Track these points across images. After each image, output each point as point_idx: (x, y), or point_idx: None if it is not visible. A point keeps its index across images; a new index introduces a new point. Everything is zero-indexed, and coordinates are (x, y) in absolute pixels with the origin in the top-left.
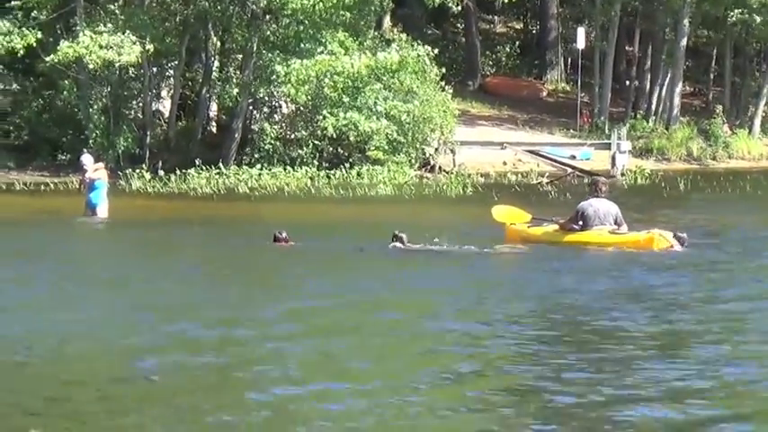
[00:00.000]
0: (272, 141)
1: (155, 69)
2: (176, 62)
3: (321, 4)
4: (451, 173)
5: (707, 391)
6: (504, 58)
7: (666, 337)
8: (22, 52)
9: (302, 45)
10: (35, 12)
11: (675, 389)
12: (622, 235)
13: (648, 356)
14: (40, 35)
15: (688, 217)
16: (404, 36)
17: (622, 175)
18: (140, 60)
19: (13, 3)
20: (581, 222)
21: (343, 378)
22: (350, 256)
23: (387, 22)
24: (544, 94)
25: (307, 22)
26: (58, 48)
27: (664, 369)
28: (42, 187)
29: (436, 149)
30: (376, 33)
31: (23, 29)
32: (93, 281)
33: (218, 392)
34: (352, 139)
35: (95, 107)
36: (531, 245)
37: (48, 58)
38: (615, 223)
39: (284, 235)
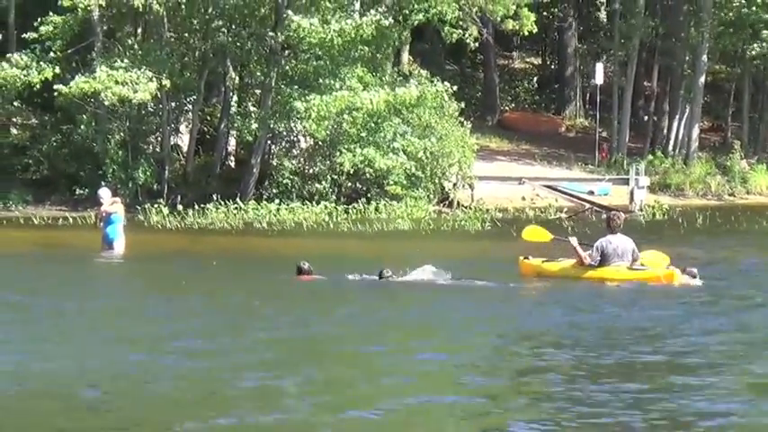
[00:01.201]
0: (291, 176)
1: (173, 104)
2: (195, 97)
3: (339, 38)
4: (470, 208)
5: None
6: (522, 94)
7: (678, 370)
8: (38, 86)
9: (321, 80)
10: (50, 43)
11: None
12: (643, 271)
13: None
14: (57, 69)
15: (705, 252)
16: (423, 72)
17: (640, 210)
18: (158, 96)
19: (30, 36)
20: (599, 259)
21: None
22: (367, 289)
23: (405, 57)
24: (562, 129)
25: (325, 57)
26: (73, 81)
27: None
28: (60, 221)
29: (455, 184)
30: (394, 69)
31: (41, 63)
32: (106, 317)
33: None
34: (368, 175)
35: (113, 141)
36: (550, 280)
37: (63, 91)
38: (632, 258)
39: (307, 266)
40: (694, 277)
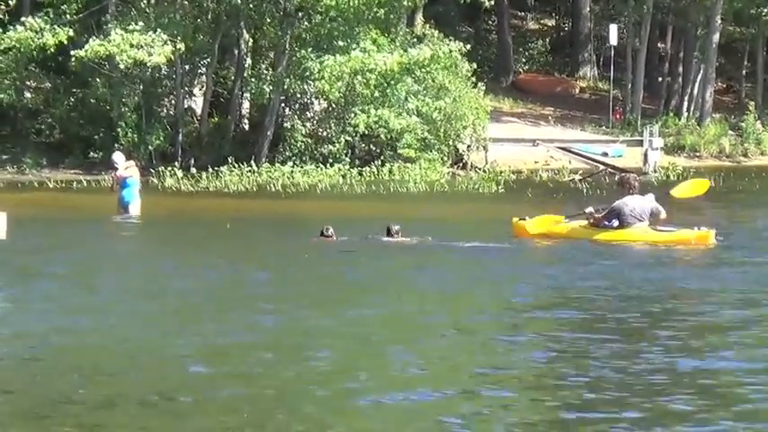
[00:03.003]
0: (304, 139)
1: (187, 67)
2: (208, 59)
3: (356, 0)
4: (484, 170)
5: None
6: (536, 55)
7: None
8: (53, 49)
9: (335, 42)
10: (65, 7)
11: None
12: (672, 233)
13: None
14: (71, 33)
15: (722, 213)
16: (435, 33)
17: (654, 171)
18: (173, 59)
19: (45, 0)
20: (616, 221)
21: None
22: (385, 251)
23: (419, 18)
24: (576, 90)
25: (340, 18)
26: (88, 45)
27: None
28: (75, 185)
29: (468, 147)
30: (408, 30)
31: (55, 26)
32: (121, 279)
33: (248, 389)
34: (382, 136)
35: (127, 105)
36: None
37: (77, 54)
38: (652, 216)
39: (330, 231)
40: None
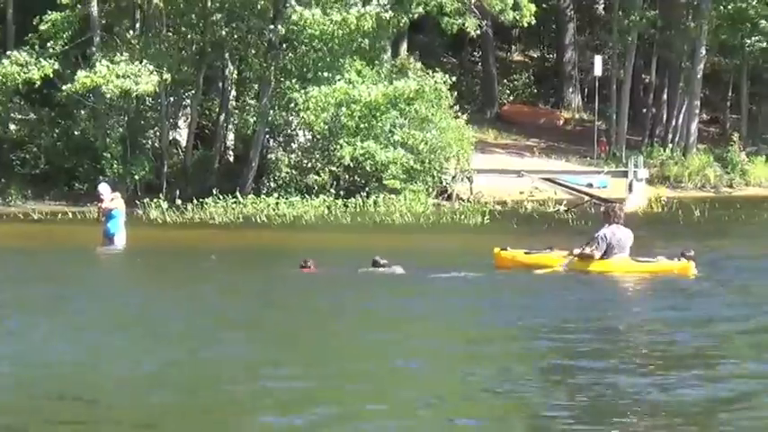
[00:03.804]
0: (289, 170)
1: (172, 99)
2: (193, 91)
3: (340, 30)
4: (468, 201)
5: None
6: (520, 87)
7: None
8: (38, 83)
9: (320, 73)
10: (51, 42)
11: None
12: (654, 263)
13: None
14: (56, 65)
15: (703, 244)
16: (419, 64)
17: (639, 203)
18: (157, 90)
19: (30, 37)
20: (605, 249)
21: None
22: (368, 281)
23: (404, 49)
24: (561, 122)
25: (324, 49)
26: (76, 77)
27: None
28: (59, 216)
29: (453, 177)
30: (393, 61)
31: (41, 59)
32: (105, 310)
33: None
34: (368, 168)
35: (112, 136)
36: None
37: (65, 88)
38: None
39: (309, 263)
40: (692, 259)
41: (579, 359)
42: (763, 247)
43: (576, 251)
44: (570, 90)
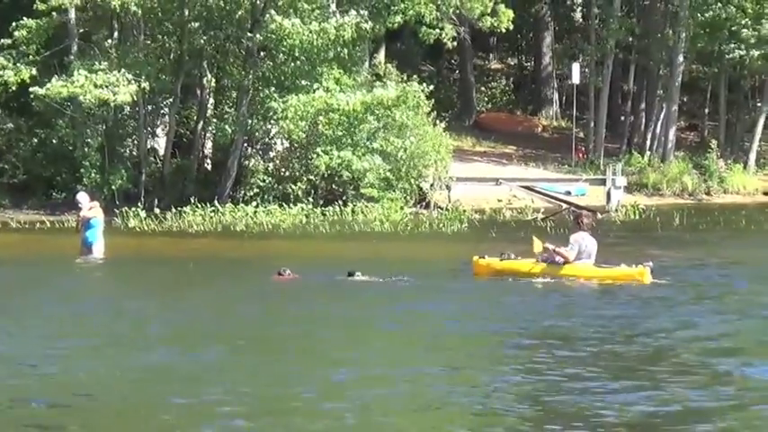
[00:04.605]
0: (267, 178)
1: (150, 107)
2: (171, 100)
3: (319, 39)
4: (447, 209)
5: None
6: (498, 94)
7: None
8: (14, 88)
9: (298, 82)
10: (24, 48)
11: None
12: (614, 269)
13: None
14: (34, 71)
15: (677, 252)
16: (395, 72)
17: (616, 210)
18: (135, 99)
19: (4, 43)
20: (575, 253)
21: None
22: (344, 289)
23: (381, 57)
24: (539, 129)
25: (303, 58)
26: (50, 84)
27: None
28: (38, 226)
29: (431, 185)
30: (370, 69)
31: (17, 64)
32: (85, 319)
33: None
34: (345, 177)
35: (90, 145)
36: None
37: (39, 93)
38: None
39: (287, 272)
40: (649, 267)
41: (532, 366)
42: (734, 255)
43: (551, 246)
44: (548, 98)
